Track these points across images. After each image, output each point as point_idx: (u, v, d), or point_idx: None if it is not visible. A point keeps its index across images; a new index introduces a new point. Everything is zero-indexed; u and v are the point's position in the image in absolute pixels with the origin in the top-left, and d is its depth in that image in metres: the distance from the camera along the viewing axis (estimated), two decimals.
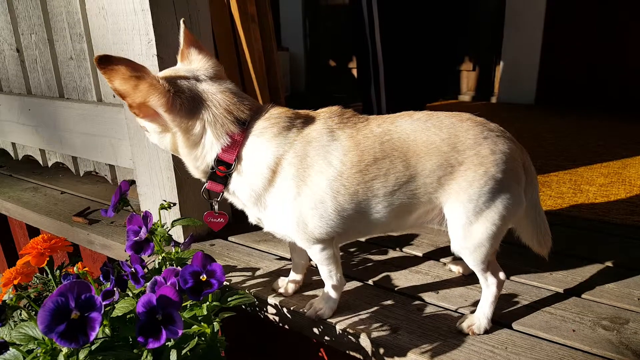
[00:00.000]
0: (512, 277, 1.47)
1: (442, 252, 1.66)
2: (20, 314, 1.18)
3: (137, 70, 1.01)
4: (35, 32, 2.11)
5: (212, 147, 1.12)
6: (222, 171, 1.13)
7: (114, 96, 1.92)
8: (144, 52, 1.55)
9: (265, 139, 1.13)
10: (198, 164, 1.15)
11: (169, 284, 0.99)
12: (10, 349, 0.93)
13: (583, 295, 1.37)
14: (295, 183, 1.12)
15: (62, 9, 1.94)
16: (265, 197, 1.15)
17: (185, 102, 1.08)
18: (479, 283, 1.28)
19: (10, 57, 2.33)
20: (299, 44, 5.37)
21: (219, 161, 1.12)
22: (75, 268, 1.09)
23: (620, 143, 2.98)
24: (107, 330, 1.02)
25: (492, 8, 4.21)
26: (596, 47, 3.84)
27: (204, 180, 1.19)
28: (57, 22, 2.00)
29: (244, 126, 1.13)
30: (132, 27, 1.54)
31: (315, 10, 5.28)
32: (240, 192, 1.17)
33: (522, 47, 4.08)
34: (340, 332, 1.27)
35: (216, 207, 1.23)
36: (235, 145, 1.11)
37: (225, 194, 1.21)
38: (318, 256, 1.25)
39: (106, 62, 0.99)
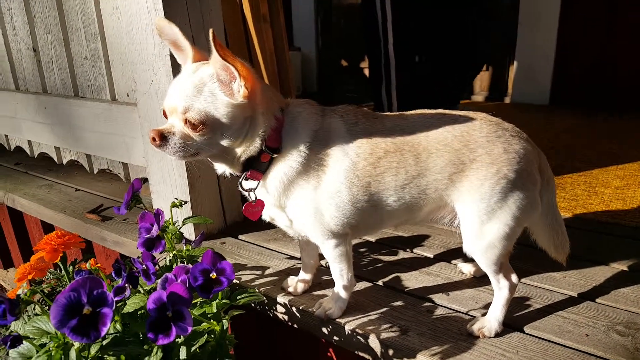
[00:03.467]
0: (524, 280, 1.45)
1: (453, 253, 1.64)
2: (34, 309, 1.19)
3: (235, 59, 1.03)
4: (51, 32, 2.15)
5: (264, 129, 1.12)
6: (269, 154, 1.14)
7: (127, 95, 1.95)
8: (157, 52, 1.56)
9: (302, 121, 1.17)
10: (251, 149, 1.13)
11: (179, 281, 0.99)
12: (24, 342, 0.95)
13: (597, 300, 1.35)
14: (317, 173, 1.15)
15: (78, 9, 1.97)
16: (294, 184, 1.16)
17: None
18: (490, 285, 1.27)
19: (27, 57, 2.37)
20: (311, 43, 5.36)
21: (266, 146, 1.13)
22: (87, 264, 1.10)
23: (636, 145, 2.92)
24: (118, 326, 1.03)
25: (506, 7, 4.16)
26: (612, 47, 3.77)
27: (238, 173, 1.18)
28: (72, 22, 2.03)
29: (281, 112, 1.17)
30: (145, 27, 1.56)
31: (328, 10, 5.28)
32: (275, 178, 1.16)
33: (536, 47, 4.02)
34: (350, 332, 1.27)
35: (253, 197, 1.21)
36: (279, 129, 1.15)
37: (260, 185, 1.19)
38: (331, 253, 1.25)
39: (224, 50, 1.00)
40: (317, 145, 1.15)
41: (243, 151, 1.14)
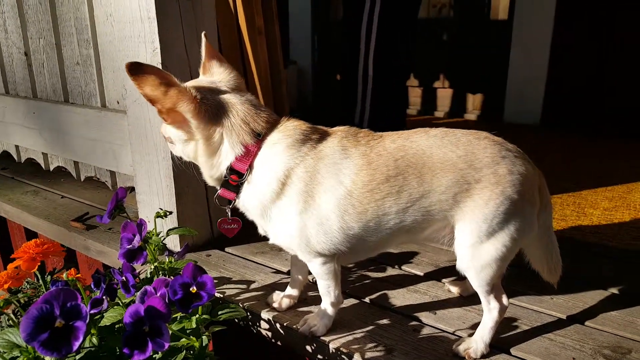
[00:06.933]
0: (512, 300, 1.43)
1: (442, 271, 1.63)
2: (8, 320, 1.16)
3: (165, 78, 1.07)
4: (43, 37, 2.13)
5: (227, 155, 1.15)
6: (234, 180, 1.16)
7: (118, 102, 1.93)
8: (149, 60, 1.55)
9: (276, 151, 1.14)
10: (213, 172, 1.19)
11: (158, 294, 0.96)
12: None
13: (585, 323, 1.34)
14: (303, 198, 1.12)
15: (71, 14, 1.96)
16: (271, 209, 1.16)
17: (209, 109, 1.12)
18: (477, 305, 1.25)
19: (18, 61, 2.34)
20: (307, 57, 5.40)
21: (232, 170, 1.15)
22: (64, 275, 1.07)
23: (626, 166, 2.95)
24: (94, 340, 0.99)
25: (499, 28, 4.22)
26: (604, 70, 3.83)
27: (218, 187, 1.21)
28: (65, 28, 2.02)
29: (259, 137, 1.15)
30: (138, 35, 1.55)
31: (325, 25, 5.33)
32: (249, 202, 1.19)
33: (528, 67, 4.08)
34: (334, 350, 1.24)
35: (229, 213, 1.25)
36: (249, 155, 1.14)
37: (237, 203, 1.22)
38: (318, 270, 1.23)
39: (136, 70, 1.03)
40: (302, 173, 1.12)
41: (207, 169, 1.19)
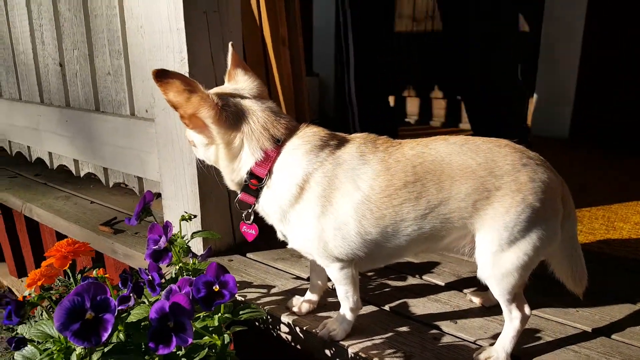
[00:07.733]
0: (535, 312, 1.40)
1: (464, 282, 1.61)
2: (42, 315, 1.20)
3: (189, 85, 1.11)
4: (77, 48, 2.24)
5: (247, 160, 1.18)
6: (254, 184, 1.19)
7: (146, 111, 2.00)
8: (177, 69, 1.61)
9: (295, 156, 1.17)
10: (234, 176, 1.22)
11: (183, 292, 0.99)
12: (28, 345, 0.95)
13: (612, 336, 1.30)
14: (321, 202, 1.14)
15: (104, 26, 2.05)
16: (290, 213, 1.18)
17: (229, 116, 1.16)
18: (499, 315, 1.23)
19: (53, 71, 2.46)
20: (329, 70, 5.47)
21: (251, 174, 1.18)
22: (94, 272, 1.12)
23: None
24: (121, 336, 1.03)
25: (527, 40, 4.19)
26: (633, 82, 3.75)
27: (238, 191, 1.24)
28: (98, 39, 2.11)
29: (279, 143, 1.17)
30: (166, 45, 1.61)
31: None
32: (268, 206, 1.21)
33: (556, 80, 4.02)
34: (353, 355, 1.24)
35: (251, 217, 1.28)
36: (268, 160, 1.17)
37: (257, 207, 1.25)
38: (336, 275, 1.24)
39: (162, 76, 1.08)
40: (320, 178, 1.14)
41: (228, 173, 1.22)
